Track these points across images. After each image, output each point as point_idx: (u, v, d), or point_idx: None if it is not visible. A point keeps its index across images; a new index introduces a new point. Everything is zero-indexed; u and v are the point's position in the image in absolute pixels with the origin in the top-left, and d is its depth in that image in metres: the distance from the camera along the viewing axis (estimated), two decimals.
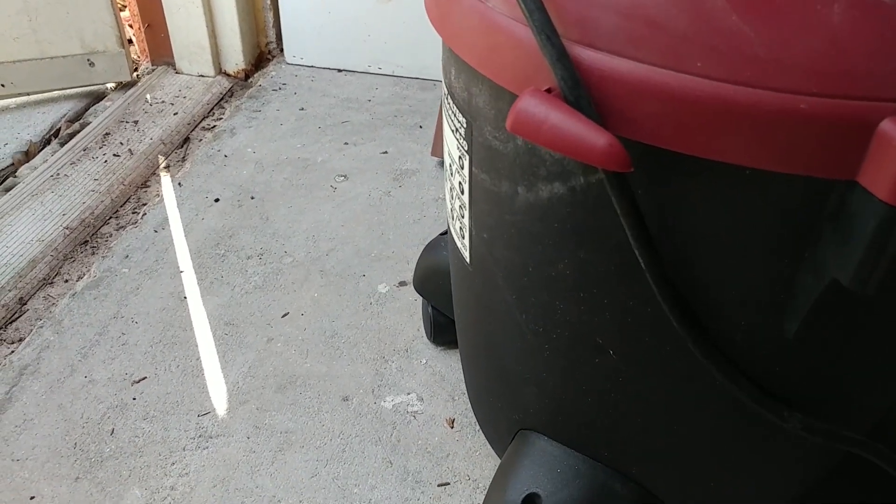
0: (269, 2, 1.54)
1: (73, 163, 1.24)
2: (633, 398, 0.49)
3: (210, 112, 1.42)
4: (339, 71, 1.54)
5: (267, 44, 1.60)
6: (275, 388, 0.84)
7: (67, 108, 1.42)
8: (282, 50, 1.58)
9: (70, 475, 0.75)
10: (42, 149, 1.31)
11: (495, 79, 0.40)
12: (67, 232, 1.08)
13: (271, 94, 1.46)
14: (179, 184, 1.19)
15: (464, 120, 0.47)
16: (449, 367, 0.87)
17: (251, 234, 1.08)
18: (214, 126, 1.37)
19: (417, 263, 0.87)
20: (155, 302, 0.96)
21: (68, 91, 1.45)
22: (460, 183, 0.51)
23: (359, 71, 1.54)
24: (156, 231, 1.08)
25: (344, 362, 0.88)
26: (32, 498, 0.73)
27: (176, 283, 0.99)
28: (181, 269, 1.01)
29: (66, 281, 1.00)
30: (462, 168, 0.50)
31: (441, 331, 0.87)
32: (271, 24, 1.57)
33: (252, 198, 1.15)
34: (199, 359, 0.88)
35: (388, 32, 1.48)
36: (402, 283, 0.99)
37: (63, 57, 1.40)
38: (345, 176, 1.22)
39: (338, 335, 0.91)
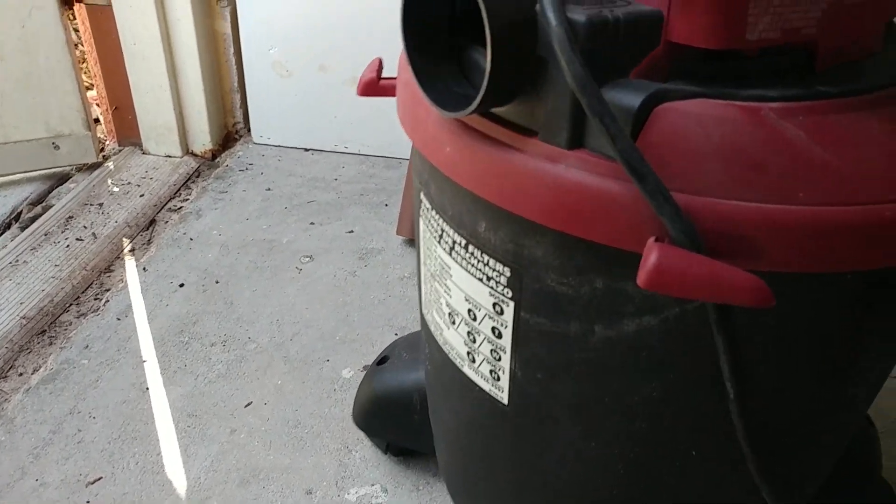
0: (236, 84, 1.57)
1: (34, 248, 1.23)
2: None
3: (177, 193, 1.43)
4: (306, 150, 1.56)
5: (234, 124, 1.62)
6: (237, 483, 0.82)
7: (30, 190, 1.41)
8: (249, 130, 1.60)
9: None
10: (2, 233, 1.30)
11: (580, 234, 0.39)
12: (24, 322, 1.06)
13: (238, 174, 1.47)
14: (144, 268, 1.18)
15: (505, 269, 0.47)
16: (412, 455, 0.85)
17: (215, 320, 1.06)
18: (181, 207, 1.37)
19: (358, 400, 0.83)
20: (115, 394, 0.94)
21: (31, 174, 1.44)
22: (494, 328, 0.50)
23: (325, 150, 1.56)
24: (118, 319, 1.07)
25: (307, 453, 0.86)
26: None
27: (138, 372, 0.97)
28: (144, 358, 0.99)
29: (21, 374, 0.98)
30: (500, 314, 0.49)
31: (396, 452, 0.85)
32: (238, 105, 1.59)
33: (217, 282, 1.14)
34: (159, 454, 0.85)
35: (354, 112, 1.51)
36: (367, 367, 0.99)
37: (27, 141, 1.40)
38: (310, 257, 1.22)
39: (301, 424, 0.90)
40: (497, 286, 0.48)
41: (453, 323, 0.55)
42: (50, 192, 1.43)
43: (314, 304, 1.11)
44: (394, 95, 0.56)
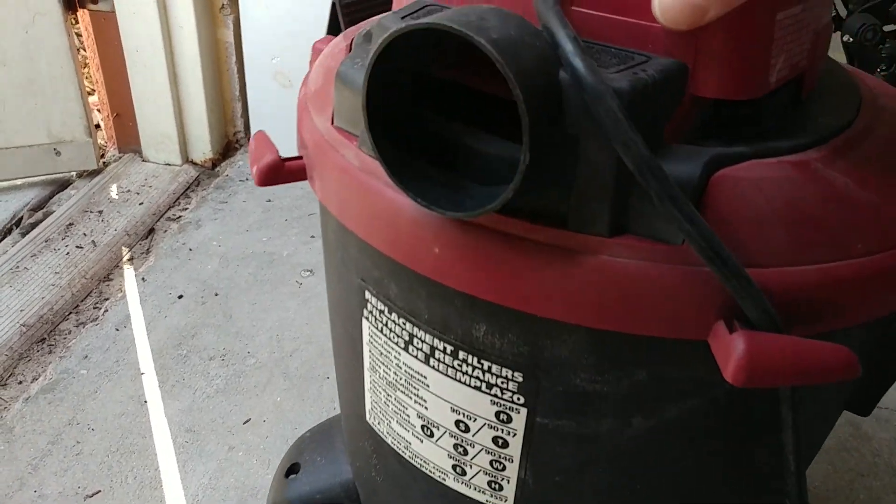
0: (237, 93, 1.57)
1: (34, 255, 1.23)
2: None
3: (176, 202, 1.43)
4: None
5: (235, 133, 1.62)
6: (236, 502, 0.82)
7: (31, 196, 1.41)
8: (249, 139, 1.60)
9: None
10: (3, 239, 1.30)
11: (631, 330, 0.35)
12: (24, 329, 1.06)
13: (238, 184, 1.47)
14: (143, 278, 1.18)
15: (515, 374, 0.41)
16: None
17: (214, 334, 1.07)
18: (180, 217, 1.37)
19: None
20: (113, 406, 0.94)
21: (32, 179, 1.44)
22: (497, 438, 0.44)
23: None
24: (117, 329, 1.07)
25: None
26: None
27: (136, 385, 0.97)
28: (142, 370, 1.00)
29: (20, 383, 0.98)
30: (506, 422, 0.43)
31: None
32: (239, 114, 1.60)
33: (216, 294, 1.15)
34: (157, 469, 0.86)
35: None
36: None
37: (29, 146, 1.40)
38: (310, 271, 1.22)
39: None
40: (503, 393, 0.42)
41: (430, 436, 0.48)
42: (51, 197, 1.42)
43: (314, 319, 1.11)
44: (304, 179, 0.47)
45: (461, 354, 0.42)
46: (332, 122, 0.42)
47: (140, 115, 1.51)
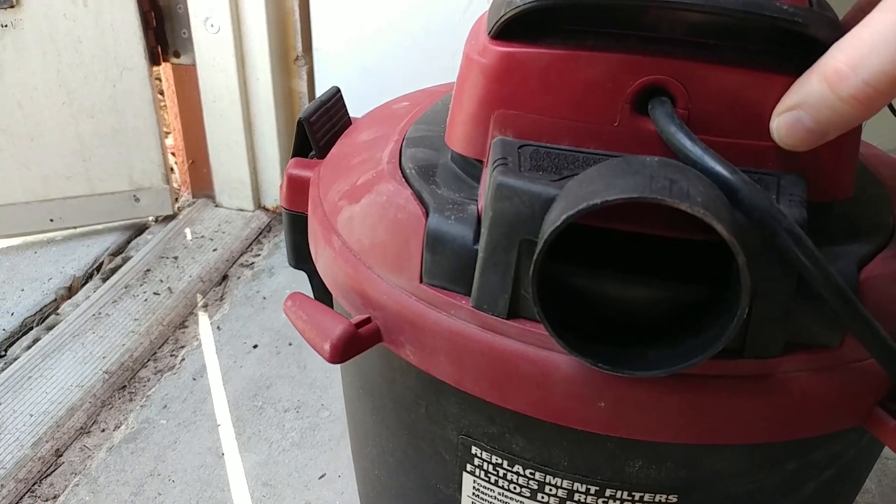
0: None
1: (115, 301, 1.26)
2: None
3: (248, 248, 1.46)
4: None
5: None
6: None
7: (110, 241, 1.46)
8: None
9: None
10: (85, 283, 1.34)
11: (795, 436, 0.38)
12: (107, 377, 1.09)
13: None
14: (218, 327, 1.21)
15: (670, 496, 0.41)
16: None
17: (289, 385, 1.08)
18: (253, 263, 1.40)
19: None
20: (192, 458, 0.95)
21: (112, 224, 1.49)
22: None
23: None
24: (194, 379, 1.09)
25: None
26: None
27: (213, 437, 0.98)
28: (219, 422, 1.01)
29: (104, 430, 1.00)
30: None
31: None
32: None
33: (290, 344, 1.16)
34: None
35: None
36: None
37: (111, 193, 1.45)
38: None
39: None
40: None
41: None
42: (129, 242, 1.47)
43: None
44: (379, 342, 0.42)
45: (608, 492, 0.41)
46: (422, 281, 0.39)
47: (214, 161, 1.56)
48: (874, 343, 0.32)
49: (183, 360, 1.13)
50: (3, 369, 1.11)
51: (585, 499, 0.42)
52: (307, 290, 1.26)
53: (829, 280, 0.30)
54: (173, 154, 1.66)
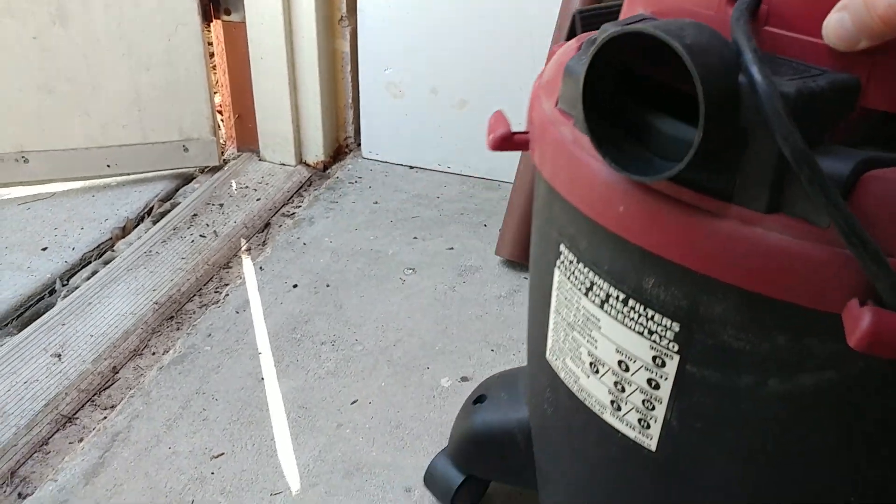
0: (350, 100, 1.67)
1: (164, 241, 1.35)
2: None
3: (290, 200, 1.53)
4: (411, 168, 1.64)
5: (345, 138, 1.72)
6: (343, 474, 0.89)
7: (160, 188, 1.54)
8: (359, 145, 1.70)
9: None
10: (137, 225, 1.43)
11: (775, 295, 0.42)
12: (157, 307, 1.17)
13: (348, 186, 1.56)
14: (261, 268, 1.28)
15: (673, 324, 0.48)
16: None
17: (325, 321, 1.15)
18: (294, 213, 1.47)
19: (456, 438, 0.84)
20: (234, 381, 1.03)
21: (162, 172, 1.57)
22: (651, 380, 0.52)
23: (429, 169, 1.64)
24: (237, 312, 1.17)
25: (408, 453, 0.93)
26: None
27: (254, 364, 1.06)
28: (259, 350, 1.08)
29: (154, 353, 1.09)
30: (661, 366, 0.51)
31: (472, 497, 0.86)
32: (351, 121, 1.69)
33: (327, 285, 1.23)
34: (273, 439, 0.94)
35: (460, 134, 1.58)
36: (464, 379, 1.05)
37: (162, 143, 1.53)
38: (413, 269, 1.29)
39: (402, 426, 0.97)
40: (661, 340, 0.50)
41: (596, 372, 0.56)
42: (177, 190, 1.55)
43: (416, 314, 1.18)
44: (526, 150, 0.59)
45: (631, 302, 0.50)
46: (556, 105, 0.53)
47: (260, 117, 1.63)
48: (839, 221, 0.36)
49: (227, 295, 1.21)
50: (66, 296, 1.20)
51: (616, 304, 0.51)
52: (344, 236, 1.33)
53: (787, 139, 0.35)
54: (220, 111, 1.73)
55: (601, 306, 0.53)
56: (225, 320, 1.15)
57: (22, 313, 1.18)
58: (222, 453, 0.91)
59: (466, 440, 0.82)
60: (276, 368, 1.05)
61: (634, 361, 0.53)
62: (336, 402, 1.00)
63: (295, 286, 1.23)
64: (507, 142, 0.59)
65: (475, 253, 1.34)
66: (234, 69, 1.62)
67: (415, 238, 1.38)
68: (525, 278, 1.28)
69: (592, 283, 0.53)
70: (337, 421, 0.97)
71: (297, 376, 1.04)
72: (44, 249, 1.33)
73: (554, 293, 0.59)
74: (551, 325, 0.61)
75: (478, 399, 0.82)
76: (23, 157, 1.44)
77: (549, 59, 0.64)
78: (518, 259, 1.29)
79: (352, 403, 1.00)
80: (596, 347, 0.55)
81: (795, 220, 0.40)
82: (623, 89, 0.44)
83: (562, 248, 0.56)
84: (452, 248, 1.35)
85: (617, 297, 0.51)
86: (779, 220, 0.40)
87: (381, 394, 1.02)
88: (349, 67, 1.63)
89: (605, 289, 0.52)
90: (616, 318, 0.52)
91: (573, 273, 0.55)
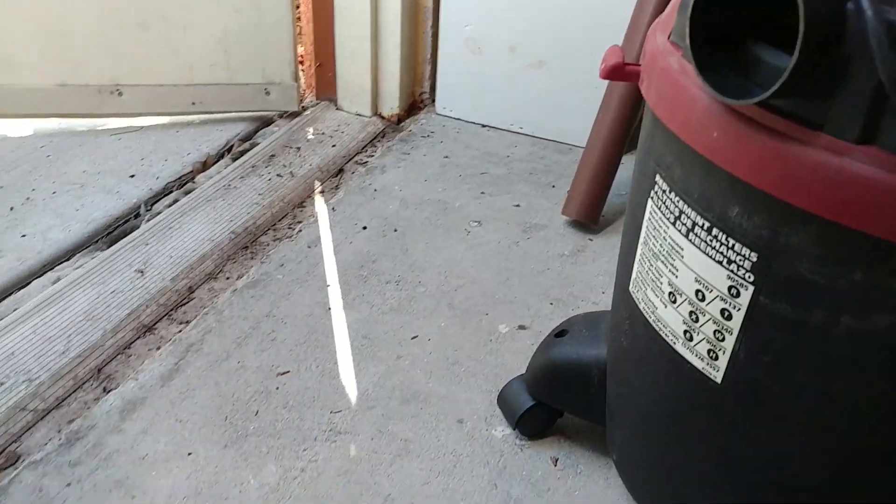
0: (428, 55, 1.69)
1: (243, 177, 1.40)
2: None
3: (363, 149, 1.57)
4: (483, 126, 1.66)
5: (420, 93, 1.75)
6: (399, 400, 0.93)
7: (241, 128, 1.60)
8: (433, 101, 1.72)
9: (220, 442, 0.86)
10: (217, 161, 1.49)
11: (859, 227, 0.42)
12: (233, 236, 1.23)
13: (420, 139, 1.59)
14: (333, 209, 1.33)
15: (751, 253, 0.50)
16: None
17: (391, 262, 1.19)
18: (367, 162, 1.51)
19: (534, 366, 0.87)
20: (303, 308, 1.08)
21: (244, 114, 1.63)
22: (724, 310, 0.54)
23: (501, 128, 1.65)
24: (309, 247, 1.21)
25: (462, 388, 0.96)
26: (189, 454, 0.84)
27: (322, 294, 1.11)
28: (328, 283, 1.13)
29: (228, 278, 1.14)
30: (735, 297, 0.52)
31: (537, 425, 0.89)
32: (427, 76, 1.72)
33: (395, 230, 1.27)
34: (335, 363, 0.98)
35: (534, 96, 1.59)
36: (522, 327, 1.07)
37: (246, 84, 1.58)
38: (478, 222, 1.32)
39: (458, 363, 1.00)
40: (738, 270, 0.51)
41: (673, 302, 0.59)
42: (257, 131, 1.61)
43: (479, 264, 1.20)
44: (635, 81, 0.62)
45: (714, 231, 0.53)
46: (669, 38, 0.57)
47: (340, 67, 1.67)
48: None
49: (300, 231, 1.26)
50: (150, 219, 1.27)
51: (700, 233, 0.54)
52: (414, 185, 1.37)
53: (890, 67, 0.35)
54: (301, 60, 1.78)
55: (686, 235, 0.56)
56: (297, 253, 1.20)
57: (111, 232, 1.26)
58: (288, 371, 0.96)
59: (543, 368, 0.85)
60: (343, 300, 1.10)
61: (711, 291, 0.55)
62: (397, 336, 1.04)
63: (364, 228, 1.27)
64: (619, 71, 0.63)
65: (541, 212, 1.36)
66: (318, 18, 1.66)
67: (482, 193, 1.41)
68: (590, 239, 1.29)
69: (681, 213, 0.56)
70: (397, 353, 1.01)
71: (362, 309, 1.08)
72: (131, 176, 1.40)
73: (644, 224, 0.62)
74: (637, 257, 0.65)
75: (560, 333, 0.86)
76: (117, 90, 1.52)
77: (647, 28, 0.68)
78: (584, 220, 1.30)
79: (412, 338, 1.04)
80: (676, 277, 0.58)
81: (887, 152, 0.40)
82: (730, 22, 0.46)
83: (657, 178, 0.59)
84: (519, 206, 1.37)
85: (702, 226, 0.54)
86: (870, 151, 0.41)
87: (440, 333, 1.05)
88: (430, 22, 1.66)
89: (692, 217, 0.54)
90: (699, 247, 0.55)
91: (664, 203, 0.58)
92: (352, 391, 0.94)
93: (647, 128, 0.63)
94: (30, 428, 0.89)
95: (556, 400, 0.86)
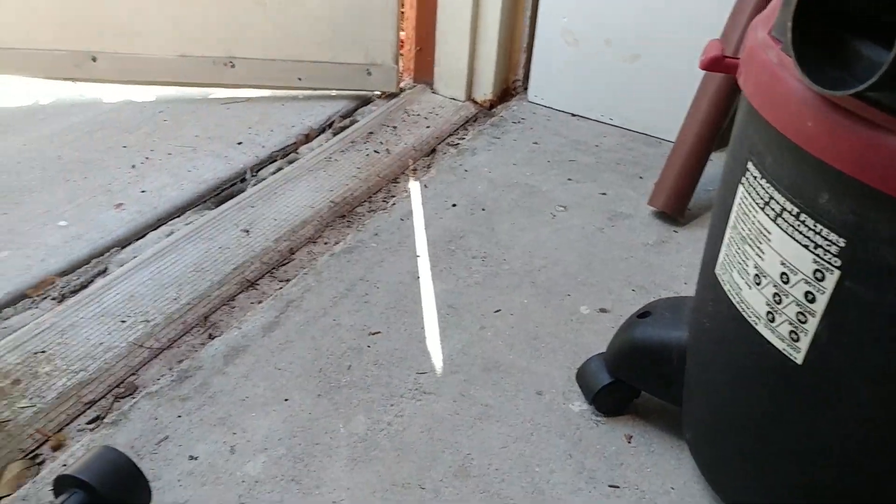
0: (525, 44, 1.72)
1: (342, 151, 1.48)
2: None
3: (456, 131, 1.62)
4: (573, 115, 1.69)
5: (514, 81, 1.79)
6: (481, 368, 0.98)
7: (341, 105, 1.68)
8: (526, 89, 1.76)
9: (314, 391, 0.93)
10: (319, 135, 1.57)
11: None
12: (332, 205, 1.30)
13: (511, 125, 1.64)
14: (425, 186, 1.38)
15: (839, 239, 0.53)
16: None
17: (478, 239, 1.24)
18: (458, 144, 1.56)
19: (615, 345, 0.90)
20: (394, 275, 1.14)
21: (345, 92, 1.71)
22: (808, 293, 0.57)
23: (591, 118, 1.67)
24: (401, 220, 1.27)
25: (542, 363, 1.00)
26: (286, 399, 0.91)
27: (412, 264, 1.16)
28: (418, 254, 1.19)
29: (326, 243, 1.22)
30: (820, 280, 0.55)
31: (613, 402, 0.92)
32: (522, 65, 1.75)
33: (483, 209, 1.32)
34: (423, 328, 1.04)
35: (626, 88, 1.61)
36: (603, 310, 1.10)
37: (349, 64, 1.65)
38: (564, 207, 1.35)
39: (539, 339, 1.04)
40: (824, 254, 0.54)
41: (758, 284, 0.62)
42: (356, 109, 1.68)
43: (563, 246, 1.24)
44: (732, 73, 0.65)
45: (802, 217, 0.56)
46: (770, 33, 0.60)
47: (439, 52, 1.72)
48: None
49: (393, 205, 1.32)
50: (255, 184, 1.35)
51: (789, 218, 0.57)
52: (503, 168, 1.41)
53: None
54: (402, 43, 1.84)
55: (774, 220, 0.59)
56: (390, 224, 1.26)
57: (218, 193, 1.35)
58: (379, 332, 1.03)
59: (623, 347, 0.88)
60: (432, 271, 1.15)
61: (796, 274, 0.57)
62: (481, 309, 1.09)
63: (454, 205, 1.32)
64: (718, 63, 0.66)
65: (627, 201, 1.38)
66: (421, 4, 1.72)
67: (569, 179, 1.44)
68: (674, 231, 1.30)
69: (770, 198, 0.59)
70: (480, 324, 1.06)
71: (449, 281, 1.14)
72: (239, 143, 1.49)
73: (734, 209, 0.65)
74: (726, 240, 0.68)
75: (643, 314, 0.89)
76: (231, 62, 1.61)
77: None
78: (670, 211, 1.31)
79: (495, 312, 1.08)
80: (763, 259, 0.61)
81: None
82: (832, 19, 0.49)
83: (749, 165, 0.62)
84: (605, 194, 1.40)
85: (790, 211, 0.57)
86: None
87: (523, 309, 1.09)
88: (529, 12, 1.69)
89: (782, 203, 0.58)
90: (786, 232, 0.58)
91: (755, 188, 0.61)
92: (437, 355, 1.00)
93: (742, 118, 0.66)
94: (146, 363, 0.98)
95: (635, 378, 0.89)
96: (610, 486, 0.85)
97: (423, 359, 0.99)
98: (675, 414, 0.89)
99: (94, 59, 1.60)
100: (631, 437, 0.91)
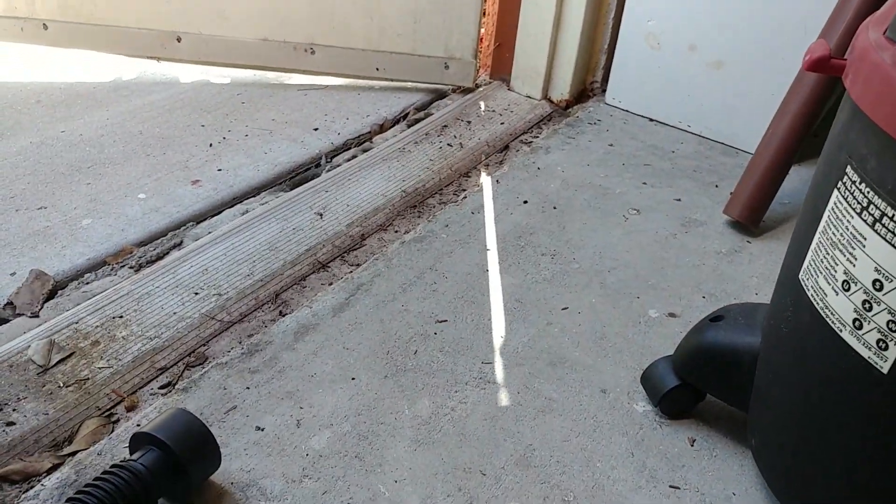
0: (606, 46, 1.71)
1: (416, 142, 1.49)
2: None
3: (530, 129, 1.62)
4: (651, 120, 1.67)
5: (591, 82, 1.77)
6: (546, 362, 0.98)
7: (417, 98, 1.69)
8: (603, 91, 1.74)
9: (381, 372, 0.94)
10: (393, 125, 1.58)
11: None
12: (404, 194, 1.31)
13: (586, 126, 1.62)
14: (497, 181, 1.39)
15: None
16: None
17: (548, 237, 1.23)
18: (532, 142, 1.56)
19: (685, 347, 0.89)
20: (463, 266, 1.14)
21: (421, 85, 1.72)
22: None
23: (668, 124, 1.65)
24: (472, 213, 1.28)
25: (608, 362, 0.99)
26: (353, 378, 0.93)
27: (481, 257, 1.17)
28: (487, 247, 1.19)
29: (397, 231, 1.23)
30: None
31: (678, 405, 0.91)
32: (601, 66, 1.74)
33: (554, 208, 1.31)
34: (489, 320, 1.04)
35: (707, 96, 1.57)
36: (672, 315, 1.09)
37: (428, 56, 1.67)
38: (637, 210, 1.33)
39: (606, 338, 1.03)
40: None
41: (846, 290, 0.61)
42: (431, 102, 1.69)
43: (634, 249, 1.22)
44: (838, 75, 0.64)
45: None
46: (885, 34, 0.59)
47: (519, 49, 1.72)
48: None
49: (464, 198, 1.33)
50: (330, 170, 1.38)
51: (888, 223, 0.56)
52: (576, 168, 1.40)
53: None
54: (481, 39, 1.85)
55: (872, 225, 0.57)
56: (461, 217, 1.27)
57: (294, 177, 1.38)
58: (445, 320, 1.03)
59: (693, 350, 0.87)
60: (500, 265, 1.15)
61: (891, 281, 0.56)
62: (548, 305, 1.08)
63: (525, 202, 1.32)
64: (823, 64, 0.65)
65: (702, 209, 1.36)
66: (504, 0, 1.72)
67: (644, 183, 1.42)
68: (748, 241, 1.27)
69: (869, 203, 0.57)
70: (547, 319, 1.05)
71: (517, 275, 1.13)
72: (315, 129, 1.52)
73: (826, 214, 0.64)
74: (813, 245, 0.66)
75: (716, 318, 0.87)
76: (311, 48, 1.64)
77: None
78: (746, 221, 1.28)
79: (562, 309, 1.08)
80: (854, 265, 0.59)
81: None
82: None
83: (848, 169, 0.60)
84: (679, 200, 1.38)
85: (891, 217, 0.55)
86: None
87: (591, 308, 1.08)
88: (612, 14, 1.67)
89: (881, 207, 0.56)
90: (884, 237, 0.56)
91: (852, 194, 0.60)
92: (502, 347, 1.00)
93: (843, 121, 0.64)
94: (216, 335, 1.01)
95: (703, 382, 0.88)
96: (671, 486, 0.83)
97: (488, 349, 0.99)
98: (739, 419, 0.87)
99: (178, 40, 1.65)
100: (694, 440, 0.89)
